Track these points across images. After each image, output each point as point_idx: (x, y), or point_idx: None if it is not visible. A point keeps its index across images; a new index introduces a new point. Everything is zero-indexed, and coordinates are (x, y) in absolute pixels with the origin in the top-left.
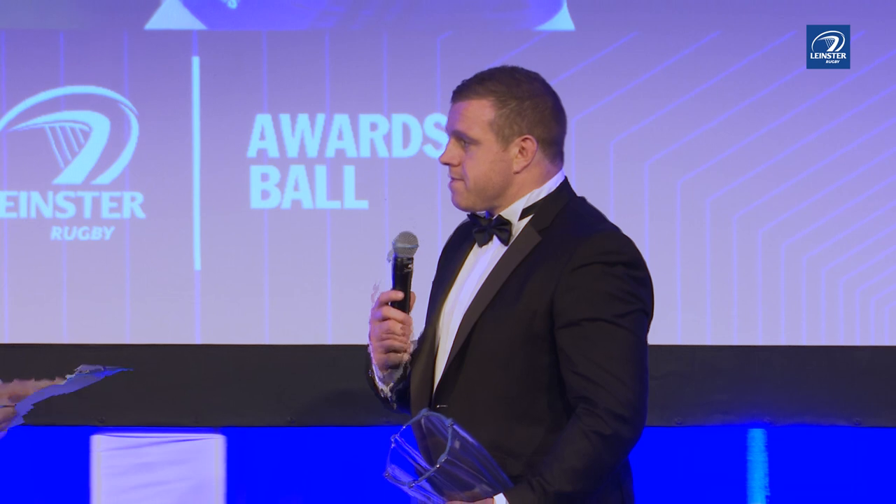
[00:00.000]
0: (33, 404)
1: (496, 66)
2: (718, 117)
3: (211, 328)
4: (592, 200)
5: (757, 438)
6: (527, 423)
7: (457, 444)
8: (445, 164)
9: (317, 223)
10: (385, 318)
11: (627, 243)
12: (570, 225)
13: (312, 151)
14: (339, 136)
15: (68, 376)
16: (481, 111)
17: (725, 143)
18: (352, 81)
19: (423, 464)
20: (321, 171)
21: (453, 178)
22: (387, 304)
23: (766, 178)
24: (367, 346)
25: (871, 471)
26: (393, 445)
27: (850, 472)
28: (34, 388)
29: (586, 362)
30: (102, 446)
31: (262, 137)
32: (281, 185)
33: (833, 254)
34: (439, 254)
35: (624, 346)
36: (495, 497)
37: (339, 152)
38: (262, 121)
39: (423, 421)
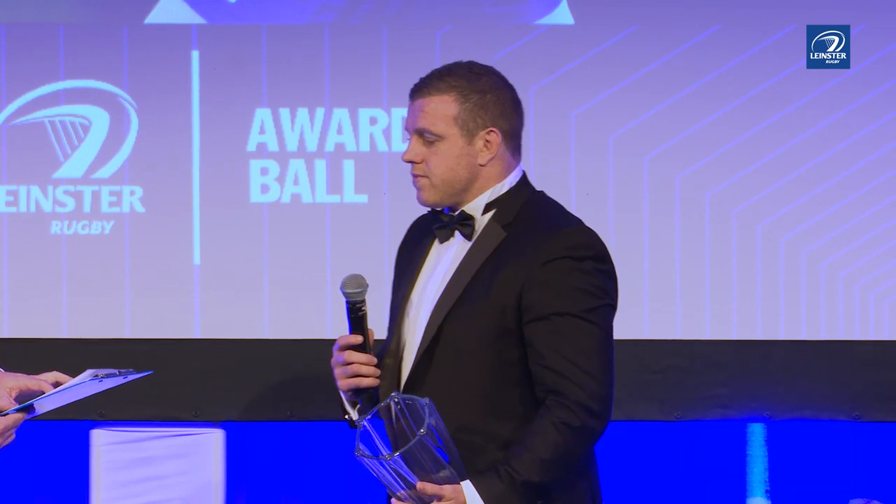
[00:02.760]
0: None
1: (452, 62)
2: (718, 112)
3: (210, 323)
4: (592, 195)
5: (756, 433)
6: (498, 418)
7: (433, 422)
8: (409, 161)
9: (316, 217)
10: (349, 362)
11: (595, 237)
12: (534, 219)
13: (312, 145)
14: (339, 131)
15: (86, 380)
16: (444, 106)
17: (725, 138)
18: (351, 76)
19: (387, 449)
20: (321, 166)
21: (417, 175)
22: (347, 348)
23: (765, 173)
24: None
25: (871, 465)
26: (360, 428)
27: (849, 467)
28: (46, 388)
29: (556, 356)
30: (102, 441)
31: (262, 131)
32: (280, 179)
33: (832, 248)
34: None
35: (593, 341)
36: (463, 483)
37: (339, 146)
38: (262, 115)
39: (391, 404)
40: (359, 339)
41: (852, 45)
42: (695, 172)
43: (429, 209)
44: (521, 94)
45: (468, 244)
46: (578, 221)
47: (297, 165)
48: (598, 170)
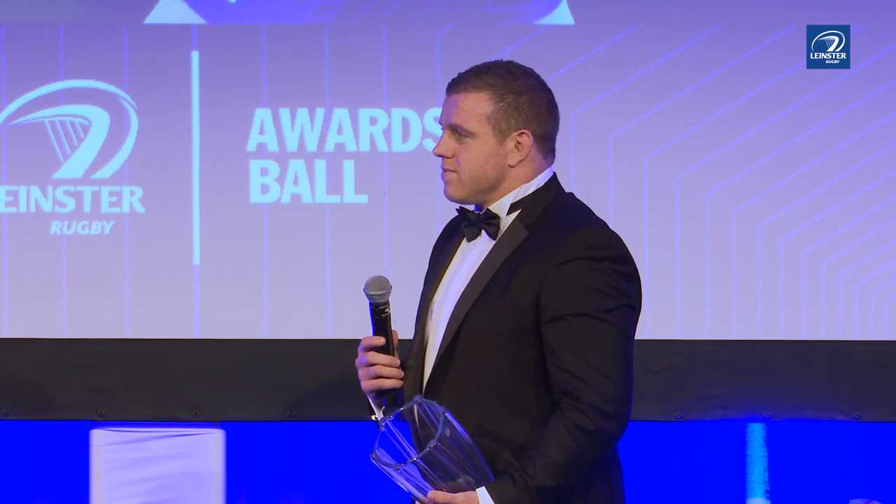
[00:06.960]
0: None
1: (492, 60)
2: (718, 112)
3: (210, 323)
4: (592, 195)
5: (756, 433)
6: (516, 417)
7: (447, 432)
8: (440, 155)
9: (316, 217)
10: (371, 364)
11: (614, 238)
12: (556, 220)
13: (312, 146)
14: (339, 131)
15: None
16: (479, 104)
17: (725, 138)
18: (351, 76)
19: (411, 451)
20: (321, 166)
21: (446, 170)
22: (371, 349)
23: (765, 173)
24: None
25: (871, 465)
26: (383, 429)
27: (849, 467)
28: None
29: (571, 357)
30: (102, 441)
31: (262, 132)
32: (280, 179)
33: (832, 248)
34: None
35: (609, 342)
36: (477, 490)
37: (339, 146)
38: (262, 115)
39: (415, 408)
40: (381, 340)
41: (852, 45)
42: (695, 172)
43: (457, 205)
44: None
45: (492, 243)
46: (599, 222)
47: (296, 166)
48: (598, 170)
